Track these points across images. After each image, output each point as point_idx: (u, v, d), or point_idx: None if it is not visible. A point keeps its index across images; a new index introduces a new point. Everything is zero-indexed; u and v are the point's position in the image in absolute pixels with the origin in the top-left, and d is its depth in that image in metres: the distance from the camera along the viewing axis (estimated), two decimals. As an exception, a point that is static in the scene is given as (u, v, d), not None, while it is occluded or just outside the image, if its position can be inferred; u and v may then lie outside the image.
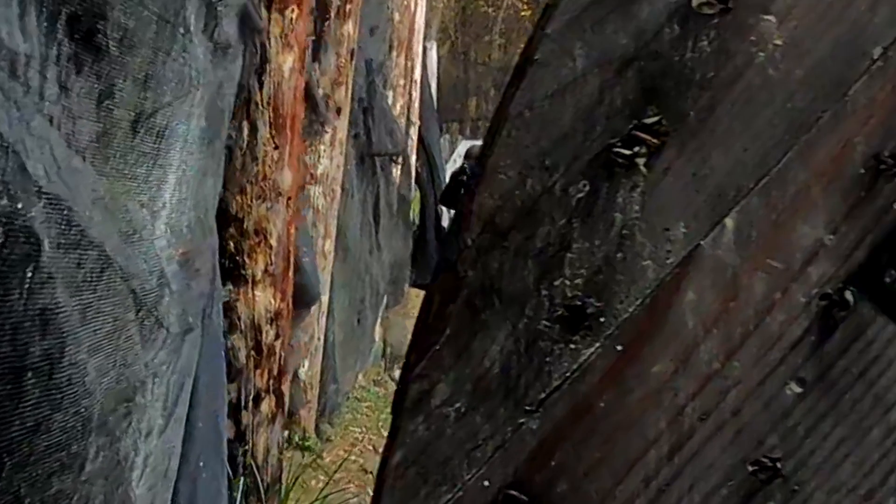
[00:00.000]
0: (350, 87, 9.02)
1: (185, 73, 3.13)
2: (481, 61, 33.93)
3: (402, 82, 12.96)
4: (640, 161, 1.46)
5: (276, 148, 6.33)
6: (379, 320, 11.77)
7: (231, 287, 6.22)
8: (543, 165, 1.47)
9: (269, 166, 6.33)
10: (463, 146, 23.26)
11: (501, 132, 1.48)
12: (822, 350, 1.47)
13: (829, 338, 1.48)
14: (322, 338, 9.16)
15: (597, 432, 1.44)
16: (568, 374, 1.44)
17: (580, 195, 1.47)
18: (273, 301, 6.42)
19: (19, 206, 1.97)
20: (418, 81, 14.70)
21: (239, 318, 6.31)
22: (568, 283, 1.46)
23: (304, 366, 9.04)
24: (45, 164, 2.12)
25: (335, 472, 7.16)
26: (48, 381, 2.20)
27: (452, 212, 16.48)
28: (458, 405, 1.44)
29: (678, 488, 1.47)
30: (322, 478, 7.75)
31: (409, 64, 13.46)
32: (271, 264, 6.38)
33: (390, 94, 12.39)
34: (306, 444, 8.72)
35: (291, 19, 6.30)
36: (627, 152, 1.46)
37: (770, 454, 1.47)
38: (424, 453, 1.45)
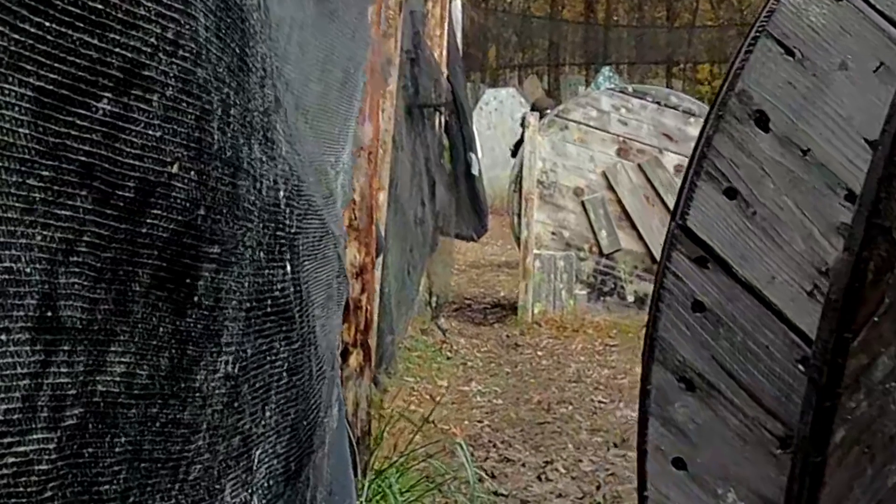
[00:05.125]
0: (399, 39, 8.87)
1: (362, 25, 3.04)
2: (501, 8, 33.43)
3: (438, 32, 12.78)
4: None
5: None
6: (424, 270, 11.71)
7: (316, 243, 6.13)
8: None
9: (351, 119, 6.21)
10: (489, 94, 22.94)
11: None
12: None
13: None
14: (378, 289, 9.06)
15: None
16: None
17: None
18: (358, 255, 6.33)
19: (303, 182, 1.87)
20: (446, 31, 14.50)
21: (325, 274, 6.22)
22: None
23: (361, 318, 8.96)
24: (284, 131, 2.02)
25: (423, 424, 7.05)
26: (314, 357, 2.13)
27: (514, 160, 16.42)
28: (902, 380, 1.33)
29: None
30: (384, 427, 7.65)
31: (442, 14, 13.26)
32: (356, 219, 6.27)
33: (427, 44, 12.23)
34: (366, 395, 8.65)
35: (368, -31, 6.17)
36: None
37: None
38: (868, 431, 1.34)
